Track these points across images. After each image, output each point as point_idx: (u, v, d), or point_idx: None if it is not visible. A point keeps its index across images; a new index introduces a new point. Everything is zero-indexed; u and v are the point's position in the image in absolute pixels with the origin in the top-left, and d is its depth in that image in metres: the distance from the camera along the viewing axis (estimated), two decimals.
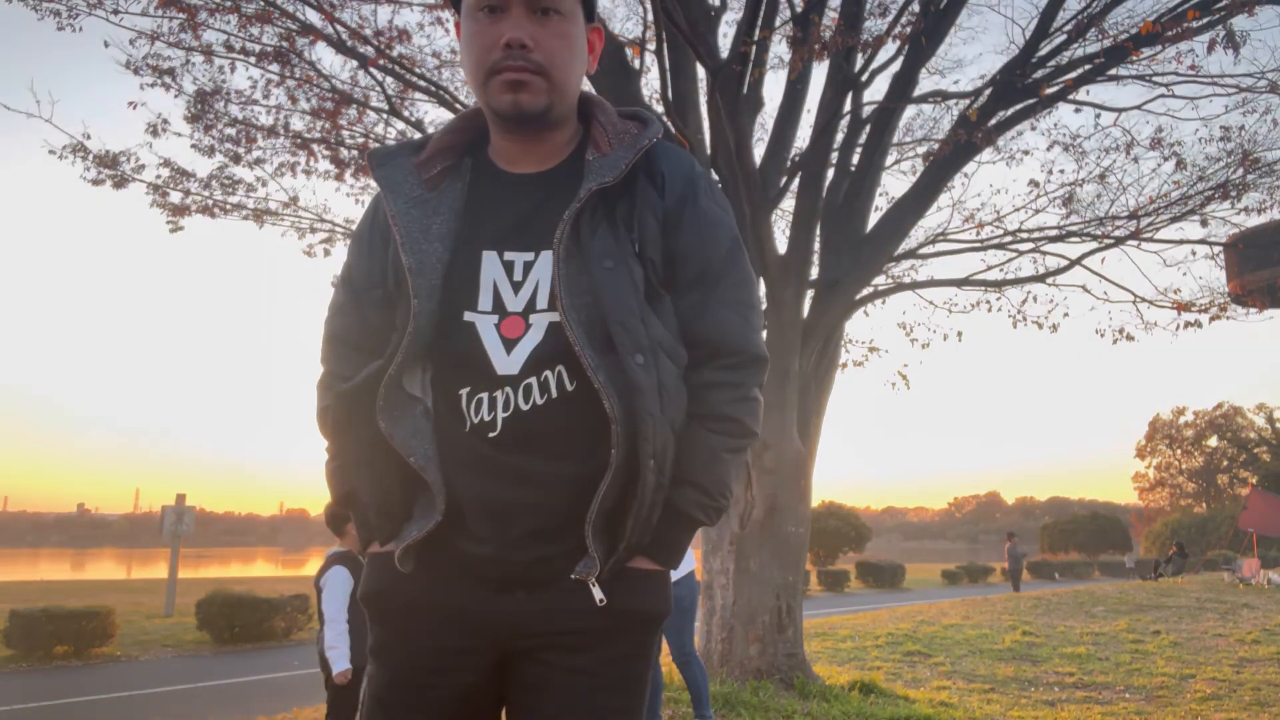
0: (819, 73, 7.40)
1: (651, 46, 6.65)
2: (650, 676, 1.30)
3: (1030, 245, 8.52)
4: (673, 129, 6.09)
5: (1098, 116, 8.16)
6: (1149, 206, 8.31)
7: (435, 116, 9.68)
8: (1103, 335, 8.80)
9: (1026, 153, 9.56)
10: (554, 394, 1.21)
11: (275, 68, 7.19)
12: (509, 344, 1.22)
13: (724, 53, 6.72)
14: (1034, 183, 8.88)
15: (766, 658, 6.20)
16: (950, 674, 7.64)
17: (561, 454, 1.21)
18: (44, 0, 6.56)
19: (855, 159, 7.53)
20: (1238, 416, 63.11)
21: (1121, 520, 57.62)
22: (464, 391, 1.23)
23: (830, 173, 7.39)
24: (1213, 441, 65.01)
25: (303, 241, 8.56)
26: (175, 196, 7.96)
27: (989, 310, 9.06)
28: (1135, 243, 8.20)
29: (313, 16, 6.83)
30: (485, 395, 1.22)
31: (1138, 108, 7.59)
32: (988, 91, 6.92)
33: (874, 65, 7.20)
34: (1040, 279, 8.51)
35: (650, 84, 8.21)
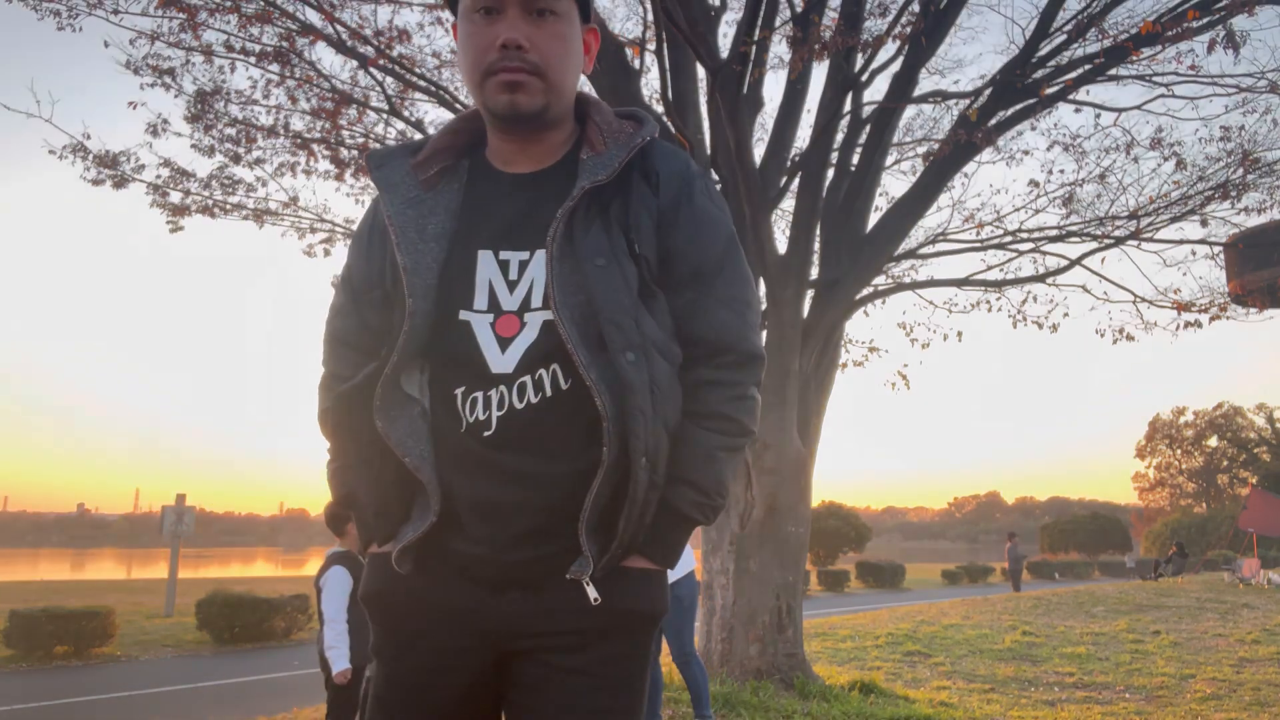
0: (819, 73, 7.42)
1: (651, 46, 6.65)
2: (649, 676, 1.30)
3: (1030, 245, 8.52)
4: (673, 129, 6.09)
5: (1098, 116, 8.16)
6: (1149, 206, 8.30)
7: (435, 116, 9.70)
8: (1103, 335, 8.80)
9: (1026, 153, 9.57)
10: (548, 392, 1.21)
11: (275, 68, 7.19)
12: (504, 343, 1.22)
13: (724, 53, 6.72)
14: (1034, 183, 8.88)
15: (766, 658, 6.20)
16: (950, 674, 7.64)
17: (555, 453, 1.21)
18: (44, 0, 6.57)
19: (855, 159, 7.54)
20: (1238, 416, 63.10)
21: (1121, 520, 57.58)
22: (459, 391, 1.23)
23: (830, 173, 7.39)
24: (1213, 441, 64.99)
25: (303, 241, 8.59)
26: (175, 196, 7.99)
27: (989, 310, 9.07)
28: (1135, 243, 8.20)
29: (313, 16, 6.85)
30: (480, 394, 1.22)
31: (1138, 108, 7.60)
32: (988, 91, 6.93)
33: (874, 65, 7.21)
34: (1040, 279, 8.50)
35: (650, 84, 8.23)
